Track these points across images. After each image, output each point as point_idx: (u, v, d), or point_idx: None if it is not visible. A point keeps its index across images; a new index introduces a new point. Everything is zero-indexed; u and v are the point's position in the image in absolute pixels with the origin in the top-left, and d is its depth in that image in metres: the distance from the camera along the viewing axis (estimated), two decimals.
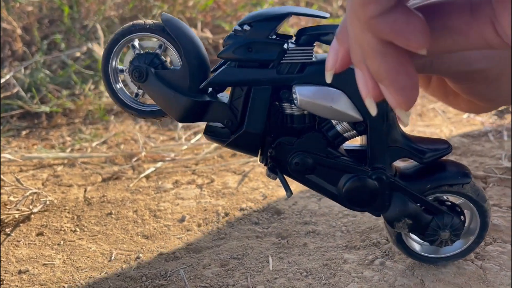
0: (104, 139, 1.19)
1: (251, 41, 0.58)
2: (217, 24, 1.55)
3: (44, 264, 0.79)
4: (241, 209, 0.90)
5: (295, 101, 0.60)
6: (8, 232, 0.87)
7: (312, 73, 0.60)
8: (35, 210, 0.91)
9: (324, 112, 0.60)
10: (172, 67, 0.63)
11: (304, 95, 0.59)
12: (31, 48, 1.56)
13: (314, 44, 0.60)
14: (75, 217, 0.91)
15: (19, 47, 1.51)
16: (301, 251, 0.79)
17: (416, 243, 0.72)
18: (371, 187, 0.64)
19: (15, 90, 1.32)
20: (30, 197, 0.94)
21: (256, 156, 0.65)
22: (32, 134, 1.24)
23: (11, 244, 0.84)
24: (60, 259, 0.80)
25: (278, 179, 0.65)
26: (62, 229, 0.88)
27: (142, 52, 0.63)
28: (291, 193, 0.65)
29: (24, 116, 1.32)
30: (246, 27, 0.59)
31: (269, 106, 0.61)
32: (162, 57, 0.64)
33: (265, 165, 0.66)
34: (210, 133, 0.64)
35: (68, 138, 1.21)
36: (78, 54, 1.47)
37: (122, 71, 0.65)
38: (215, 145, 1.13)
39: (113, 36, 0.64)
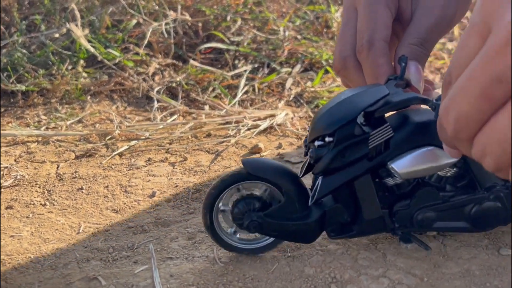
0: (80, 118, 1.19)
1: (341, 149, 0.62)
2: (198, 8, 1.55)
3: (11, 236, 0.79)
4: None
5: (396, 176, 0.63)
6: None
7: (397, 144, 0.63)
8: (5, 184, 0.91)
9: (426, 173, 0.64)
10: (276, 203, 0.68)
11: (403, 169, 0.62)
12: (10, 29, 1.55)
13: (386, 119, 0.63)
14: (46, 191, 0.91)
15: None
16: None
17: None
18: (494, 207, 0.67)
19: None
20: (1, 172, 0.94)
21: (383, 232, 0.69)
22: (7, 113, 1.24)
23: None
24: (28, 231, 0.80)
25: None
26: (32, 203, 0.88)
27: (239, 198, 0.69)
28: (430, 248, 0.69)
29: None
30: (329, 139, 0.62)
31: (374, 187, 0.65)
32: (262, 196, 0.69)
33: (394, 235, 0.70)
34: (333, 233, 0.69)
35: (43, 117, 1.21)
36: (57, 35, 1.46)
37: (223, 211, 0.70)
38: (190, 125, 1.13)
39: (221, 184, 0.68)
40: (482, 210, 0.67)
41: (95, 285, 0.69)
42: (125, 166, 0.99)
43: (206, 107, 1.23)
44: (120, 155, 1.03)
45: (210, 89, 1.31)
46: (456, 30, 1.64)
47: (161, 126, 1.14)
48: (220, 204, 0.70)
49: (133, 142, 1.07)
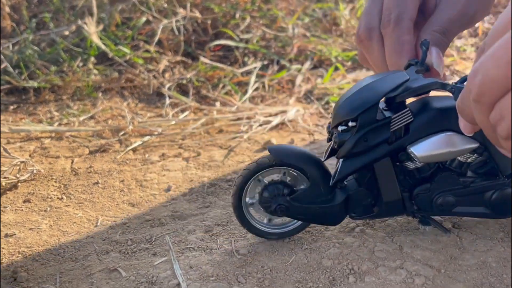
0: (92, 114, 1.19)
1: (363, 133, 0.63)
2: (207, 6, 1.56)
3: (30, 229, 0.80)
4: (227, 181, 0.92)
5: (416, 160, 0.65)
6: None
7: (417, 129, 0.65)
8: (22, 178, 0.92)
9: (445, 157, 0.65)
10: (300, 187, 0.70)
11: (421, 152, 0.64)
12: (20, 27, 1.55)
13: (406, 104, 0.65)
14: (62, 186, 0.92)
15: (7, 24, 1.51)
16: None
17: None
18: None
19: (2, 66, 1.32)
20: (17, 166, 0.95)
21: (403, 214, 0.71)
22: (19, 109, 1.25)
23: None
24: (46, 224, 0.81)
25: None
26: (49, 196, 0.89)
27: (267, 184, 0.70)
28: (450, 231, 0.71)
29: (12, 91, 1.32)
30: (351, 123, 0.63)
31: (394, 170, 0.67)
32: (287, 181, 0.71)
33: (414, 218, 0.71)
34: (354, 214, 0.71)
35: (55, 113, 1.21)
36: (66, 32, 1.47)
37: (252, 204, 0.72)
38: (202, 121, 1.14)
39: (242, 178, 0.69)
40: (503, 197, 0.68)
41: (115, 276, 0.70)
42: (140, 161, 1.00)
43: (217, 103, 1.24)
44: (134, 150, 1.04)
45: (221, 86, 1.32)
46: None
47: (173, 122, 1.14)
48: (248, 198, 0.72)
49: (146, 138, 1.08)
